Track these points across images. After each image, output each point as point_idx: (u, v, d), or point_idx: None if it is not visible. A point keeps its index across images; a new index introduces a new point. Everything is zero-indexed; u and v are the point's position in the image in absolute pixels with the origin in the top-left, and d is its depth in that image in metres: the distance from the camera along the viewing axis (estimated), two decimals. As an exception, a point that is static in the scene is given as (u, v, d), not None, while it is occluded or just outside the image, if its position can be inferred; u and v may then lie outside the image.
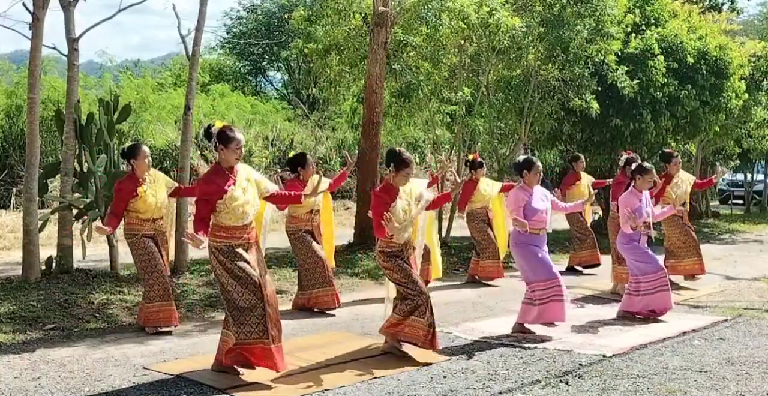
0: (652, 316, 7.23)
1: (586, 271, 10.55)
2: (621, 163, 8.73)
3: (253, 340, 5.09)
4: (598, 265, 10.51)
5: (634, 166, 7.54)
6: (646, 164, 7.52)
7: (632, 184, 7.37)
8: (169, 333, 6.62)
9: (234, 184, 5.13)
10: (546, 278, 6.56)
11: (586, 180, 10.66)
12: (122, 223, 6.74)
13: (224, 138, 5.13)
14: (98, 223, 6.83)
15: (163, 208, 6.79)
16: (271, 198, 5.63)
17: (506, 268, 9.92)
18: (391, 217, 5.48)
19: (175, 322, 6.71)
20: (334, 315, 7.52)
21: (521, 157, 7.01)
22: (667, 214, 7.94)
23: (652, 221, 7.42)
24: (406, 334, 5.79)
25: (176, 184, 7.09)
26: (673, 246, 9.15)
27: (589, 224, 10.88)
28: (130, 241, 6.68)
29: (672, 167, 9.02)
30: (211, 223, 5.16)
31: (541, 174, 6.79)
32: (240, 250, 5.15)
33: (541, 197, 6.76)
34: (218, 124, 5.22)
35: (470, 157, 9.75)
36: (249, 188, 5.22)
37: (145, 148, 6.73)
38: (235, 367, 5.25)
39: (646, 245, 7.36)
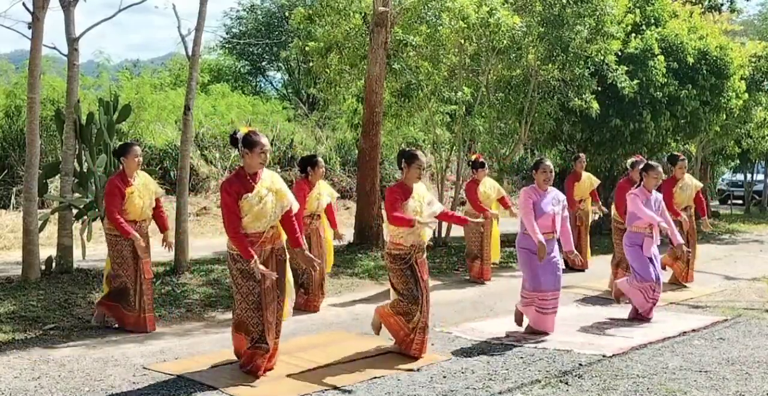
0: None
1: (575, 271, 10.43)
2: (628, 165, 8.60)
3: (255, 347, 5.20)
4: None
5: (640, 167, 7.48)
6: (652, 162, 7.45)
7: (640, 183, 7.31)
8: (126, 331, 6.57)
9: (251, 191, 5.07)
10: (535, 289, 6.47)
11: (587, 180, 10.68)
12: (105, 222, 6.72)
13: (249, 142, 5.10)
14: (139, 240, 6.56)
15: (148, 211, 6.77)
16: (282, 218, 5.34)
17: (506, 268, 9.90)
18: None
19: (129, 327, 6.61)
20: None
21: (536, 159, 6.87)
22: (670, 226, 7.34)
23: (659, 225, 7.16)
24: (390, 325, 5.88)
25: (163, 192, 7.03)
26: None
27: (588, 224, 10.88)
28: (110, 241, 6.64)
29: (677, 170, 9.07)
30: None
31: (551, 175, 6.60)
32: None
33: (552, 200, 6.57)
34: (243, 129, 5.19)
35: (472, 157, 9.74)
36: (268, 196, 5.13)
37: (137, 148, 6.72)
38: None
39: (652, 250, 7.20)
